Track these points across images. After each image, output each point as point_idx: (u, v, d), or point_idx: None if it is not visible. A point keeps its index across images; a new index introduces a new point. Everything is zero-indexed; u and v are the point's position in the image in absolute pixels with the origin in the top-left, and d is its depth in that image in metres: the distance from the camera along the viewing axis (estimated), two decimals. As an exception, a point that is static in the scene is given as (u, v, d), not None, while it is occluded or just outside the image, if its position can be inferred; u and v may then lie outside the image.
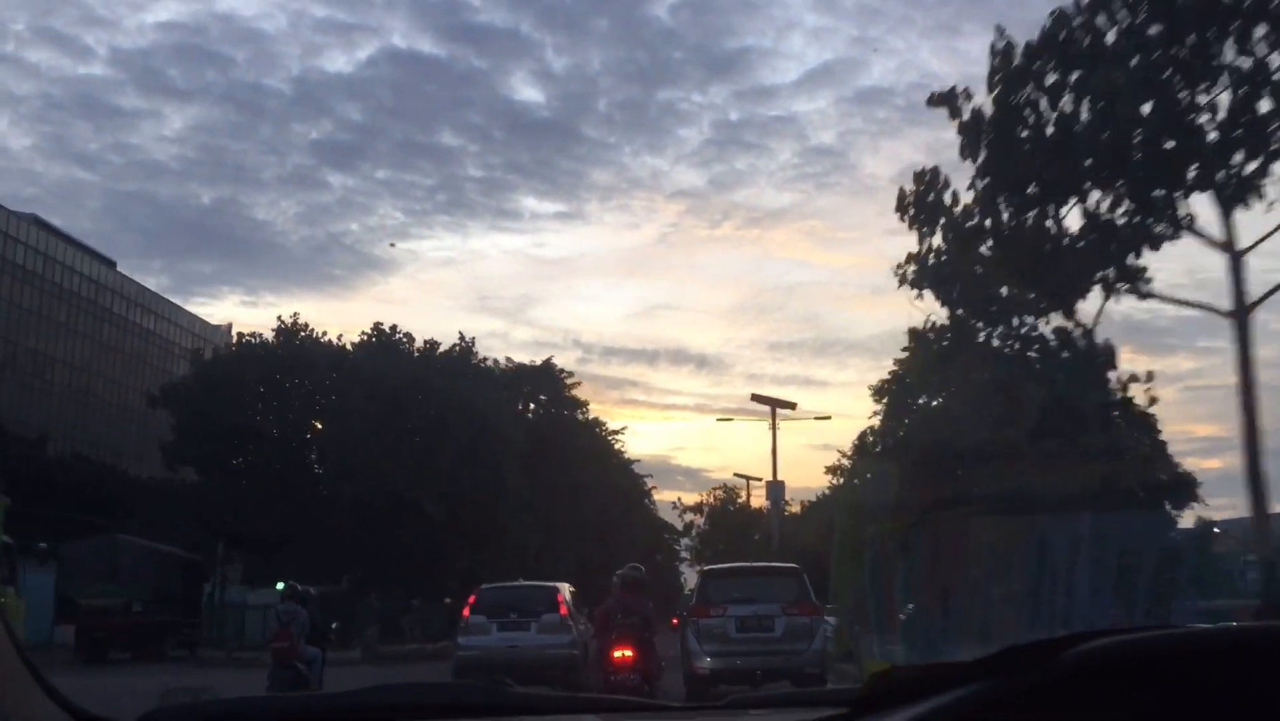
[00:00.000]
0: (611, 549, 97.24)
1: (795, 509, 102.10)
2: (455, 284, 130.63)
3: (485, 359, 47.66)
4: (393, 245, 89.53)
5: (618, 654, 14.70)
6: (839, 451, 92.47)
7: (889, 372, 76.44)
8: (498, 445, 44.65)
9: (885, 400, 76.72)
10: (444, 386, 43.58)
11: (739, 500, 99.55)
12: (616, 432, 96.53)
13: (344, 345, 46.27)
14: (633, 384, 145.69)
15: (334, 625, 32.29)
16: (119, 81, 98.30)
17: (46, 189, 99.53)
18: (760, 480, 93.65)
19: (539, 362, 78.53)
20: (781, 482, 58.27)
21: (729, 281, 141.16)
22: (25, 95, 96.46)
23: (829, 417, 60.36)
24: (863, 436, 78.08)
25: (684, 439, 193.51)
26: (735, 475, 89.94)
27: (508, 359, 79.30)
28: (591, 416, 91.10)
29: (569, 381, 78.61)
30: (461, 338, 47.25)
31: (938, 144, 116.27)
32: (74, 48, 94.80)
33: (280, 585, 51.24)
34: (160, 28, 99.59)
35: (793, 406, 59.72)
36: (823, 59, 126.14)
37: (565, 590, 22.59)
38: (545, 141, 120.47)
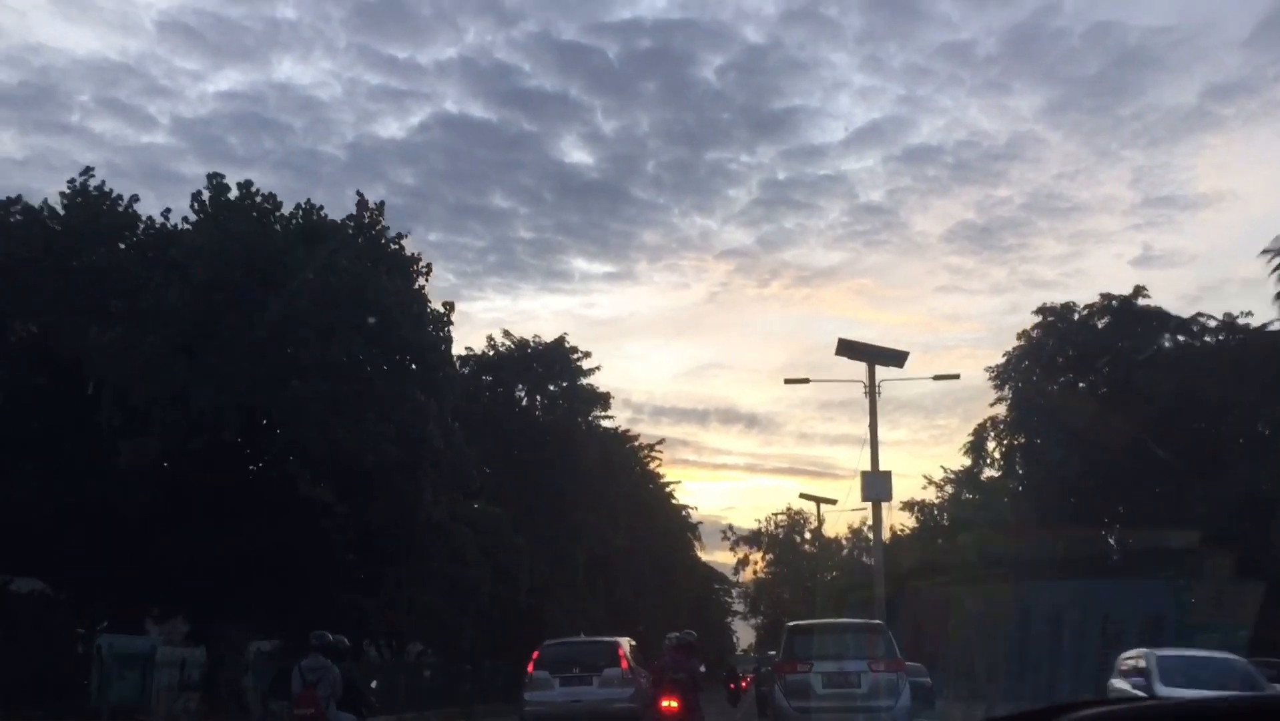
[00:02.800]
0: (649, 591, 76.94)
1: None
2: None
3: (401, 237, 27.75)
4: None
5: (665, 703, 17.48)
6: (926, 479, 71.92)
7: (1013, 347, 56.47)
8: (415, 377, 25.17)
9: (1011, 384, 56.52)
10: (323, 276, 24.12)
11: (808, 526, 78.80)
12: (651, 448, 76.69)
13: (172, 226, 27.09)
14: (683, 443, 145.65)
15: (374, 683, 25.44)
16: (180, 150, 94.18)
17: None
18: (833, 502, 72.63)
19: (546, 341, 59.25)
20: (886, 474, 37.85)
21: (778, 340, 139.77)
22: (90, 164, 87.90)
23: (956, 376, 39.84)
24: (979, 431, 57.92)
25: (735, 498, 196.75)
26: (801, 496, 69.75)
27: (505, 332, 60.25)
28: (622, 429, 71.34)
29: (586, 367, 59.16)
30: (361, 199, 27.64)
31: (987, 201, 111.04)
32: (137, 117, 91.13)
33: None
34: (220, 97, 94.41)
35: (900, 361, 39.41)
36: (871, 118, 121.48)
37: (625, 644, 22.38)
38: (595, 203, 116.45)
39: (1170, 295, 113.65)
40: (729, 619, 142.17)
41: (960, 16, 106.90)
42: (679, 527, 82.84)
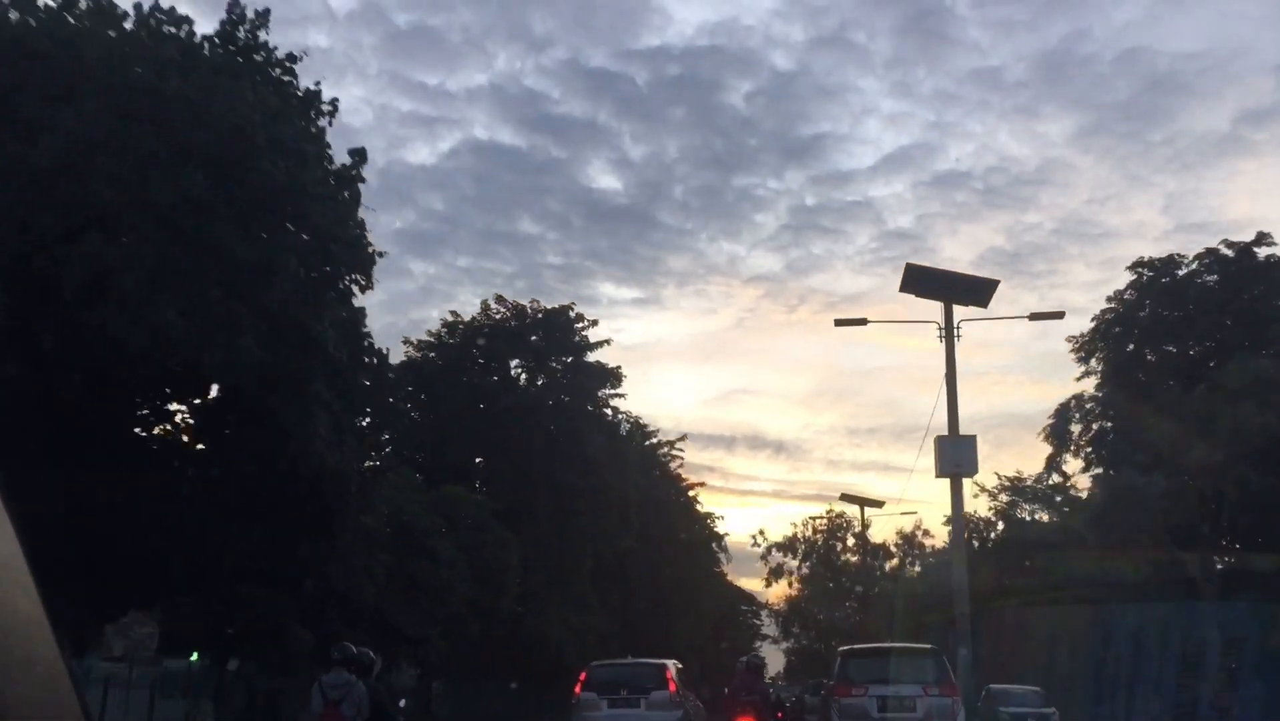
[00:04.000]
0: (669, 607, 68.01)
1: (928, 540, 71.16)
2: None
3: (294, 60, 19.20)
4: None
5: None
6: (979, 486, 62.84)
7: (1101, 310, 46.49)
8: (294, 244, 16.71)
9: (1100, 355, 46.86)
10: (148, 83, 15.56)
11: (850, 531, 69.04)
12: (672, 445, 67.75)
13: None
14: (709, 469, 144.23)
15: (402, 702, 25.21)
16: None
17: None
18: (879, 505, 63.10)
19: (548, 307, 50.46)
20: (969, 439, 28.89)
21: (806, 366, 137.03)
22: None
23: (1060, 315, 30.83)
24: (1062, 412, 48.39)
25: (762, 524, 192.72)
26: (843, 497, 60.69)
27: (499, 297, 51.32)
28: (634, 415, 62.48)
29: (594, 339, 50.40)
30: (233, 3, 18.95)
31: (1017, 227, 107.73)
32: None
33: (195, 656, 29.66)
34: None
35: (984, 296, 30.44)
36: (899, 144, 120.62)
37: (673, 667, 22.38)
38: (623, 228, 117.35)
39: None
40: (757, 644, 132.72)
41: (989, 42, 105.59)
42: (703, 538, 73.82)
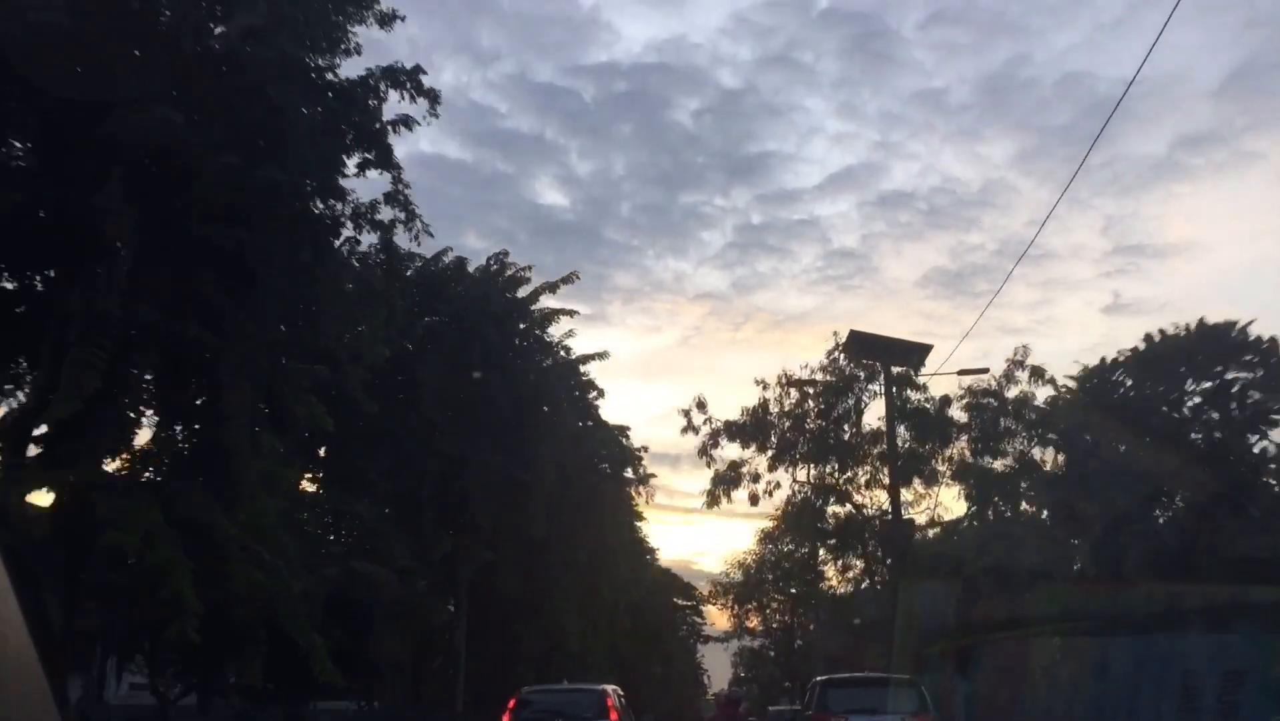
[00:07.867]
0: (565, 580, 39.76)
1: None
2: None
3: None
4: None
5: None
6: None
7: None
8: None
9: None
10: None
11: (867, 382, 37.16)
12: (570, 317, 40.92)
13: None
14: (654, 487, 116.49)
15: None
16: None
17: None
18: (925, 351, 33.19)
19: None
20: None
21: (751, 385, 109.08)
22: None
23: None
24: None
25: (706, 543, 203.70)
26: (854, 335, 34.39)
27: None
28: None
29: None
30: None
31: (960, 247, 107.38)
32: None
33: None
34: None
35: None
36: (845, 163, 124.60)
37: (614, 693, 20.61)
38: (569, 244, 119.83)
39: (1138, 343, 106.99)
40: (700, 650, 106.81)
41: (934, 64, 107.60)
42: (614, 459, 46.82)
